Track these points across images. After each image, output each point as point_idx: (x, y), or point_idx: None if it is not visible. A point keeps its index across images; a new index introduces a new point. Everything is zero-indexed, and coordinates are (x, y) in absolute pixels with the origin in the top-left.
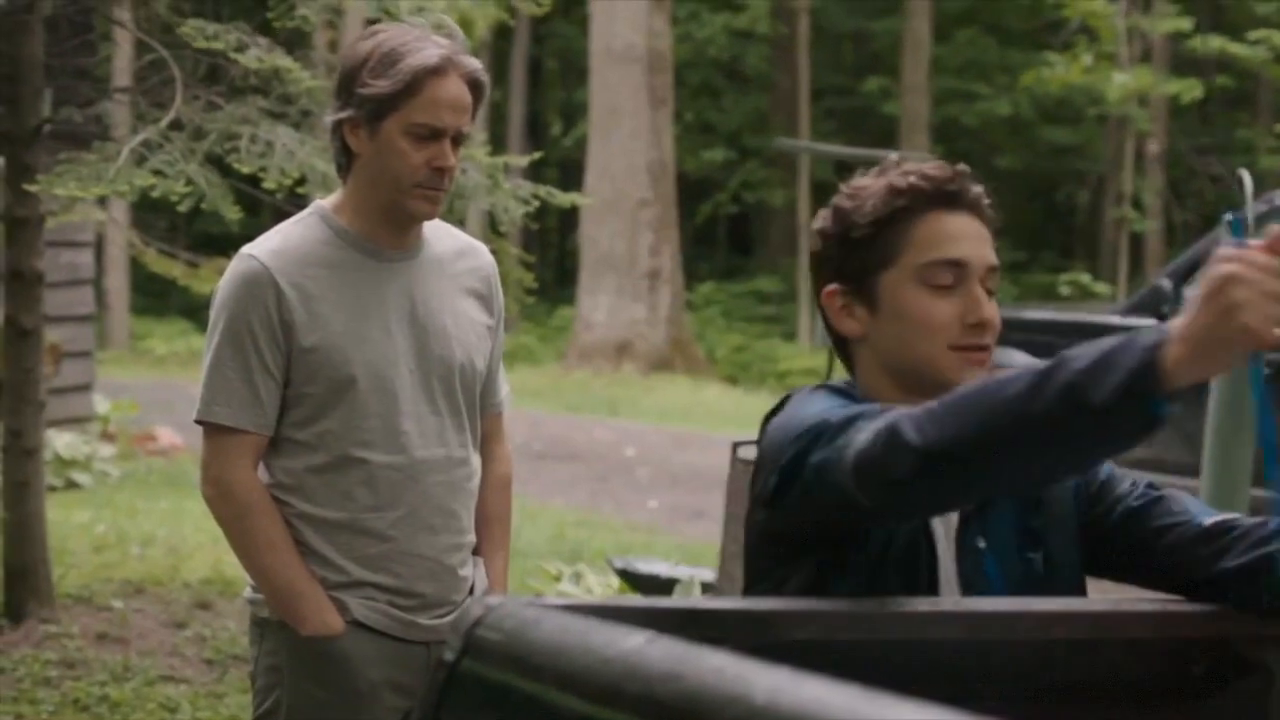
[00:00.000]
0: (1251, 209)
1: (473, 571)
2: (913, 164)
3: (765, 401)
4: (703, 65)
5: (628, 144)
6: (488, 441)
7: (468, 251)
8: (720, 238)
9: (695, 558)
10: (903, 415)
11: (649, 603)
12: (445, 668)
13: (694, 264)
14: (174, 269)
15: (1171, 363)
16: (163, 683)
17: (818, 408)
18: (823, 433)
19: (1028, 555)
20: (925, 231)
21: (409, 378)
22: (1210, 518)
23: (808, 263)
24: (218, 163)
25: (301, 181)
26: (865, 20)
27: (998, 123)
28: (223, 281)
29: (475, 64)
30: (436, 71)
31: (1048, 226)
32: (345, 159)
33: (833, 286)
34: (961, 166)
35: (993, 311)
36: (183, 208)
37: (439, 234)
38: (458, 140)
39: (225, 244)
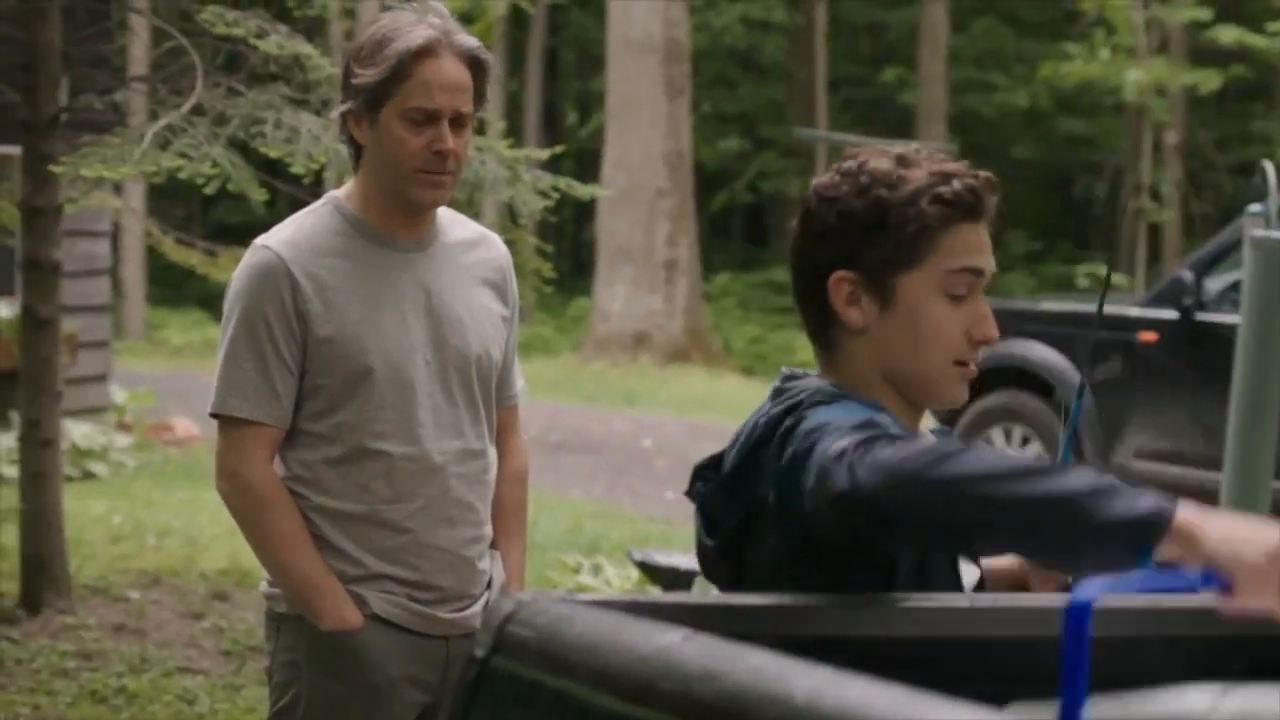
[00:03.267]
0: (1275, 200)
1: (490, 564)
2: (943, 164)
3: None
4: (719, 55)
5: (645, 134)
6: (503, 434)
7: (482, 241)
8: (736, 228)
9: None
10: (878, 455)
11: (682, 598)
12: (476, 664)
13: (710, 254)
14: (192, 258)
15: (1180, 528)
16: (180, 674)
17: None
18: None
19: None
20: (957, 239)
21: (425, 369)
22: None
23: (799, 234)
24: (241, 148)
25: (325, 168)
26: (882, 10)
27: (1015, 113)
28: (237, 273)
29: (471, 41)
30: (424, 53)
31: (1064, 217)
32: (354, 150)
33: (844, 273)
34: (989, 175)
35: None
36: (209, 190)
37: (453, 224)
38: (458, 122)
39: (242, 233)
